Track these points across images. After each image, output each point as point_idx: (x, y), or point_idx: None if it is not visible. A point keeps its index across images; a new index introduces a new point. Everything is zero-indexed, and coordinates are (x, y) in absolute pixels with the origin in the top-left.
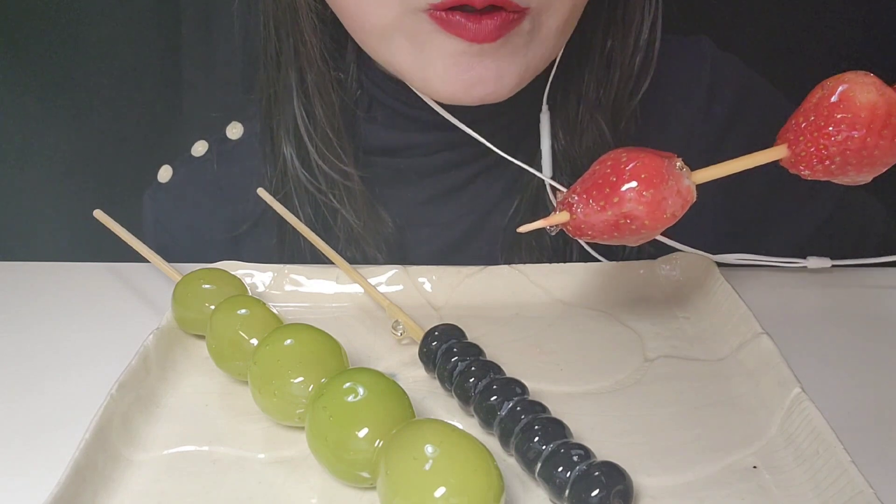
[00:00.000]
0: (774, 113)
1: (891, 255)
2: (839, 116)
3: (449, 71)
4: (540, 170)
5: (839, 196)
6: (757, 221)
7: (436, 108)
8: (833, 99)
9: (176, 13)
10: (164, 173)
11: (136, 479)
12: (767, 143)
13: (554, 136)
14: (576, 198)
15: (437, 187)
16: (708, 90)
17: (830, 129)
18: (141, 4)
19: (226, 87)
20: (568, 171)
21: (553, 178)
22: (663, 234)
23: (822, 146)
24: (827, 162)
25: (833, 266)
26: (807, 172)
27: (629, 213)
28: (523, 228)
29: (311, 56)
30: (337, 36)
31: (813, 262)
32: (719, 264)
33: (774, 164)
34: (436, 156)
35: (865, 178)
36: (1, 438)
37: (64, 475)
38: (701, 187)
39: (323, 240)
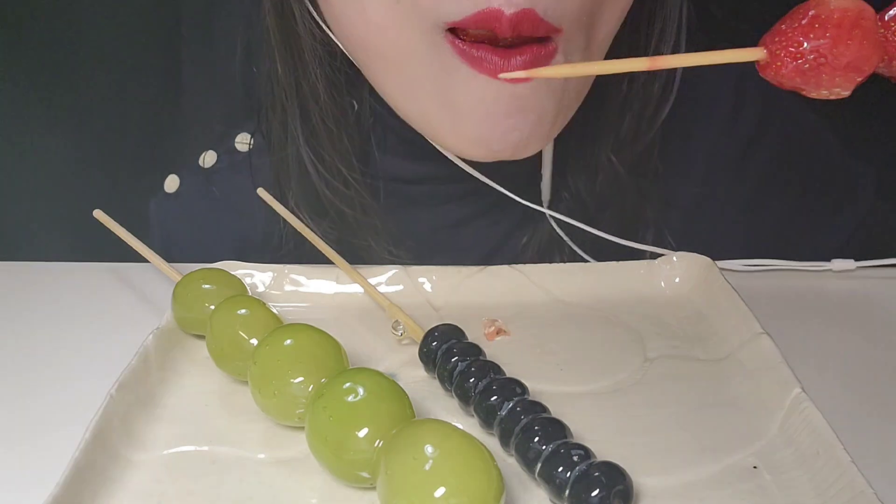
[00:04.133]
0: (800, 129)
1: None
2: (812, 14)
3: (481, 125)
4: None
5: (869, 203)
6: (787, 227)
7: (448, 154)
8: (809, 3)
9: (176, 13)
10: (171, 183)
11: (136, 479)
12: (793, 159)
13: (561, 171)
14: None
15: (452, 216)
16: (732, 108)
17: (804, 24)
18: (141, 4)
19: (228, 93)
20: (569, 199)
21: (552, 203)
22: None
23: (796, 42)
24: (800, 60)
25: (858, 268)
26: (783, 72)
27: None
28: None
29: (315, 90)
30: (350, 61)
31: (837, 264)
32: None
33: (806, 173)
34: (451, 185)
35: (842, 87)
36: (1, 438)
37: (64, 475)
38: (729, 196)
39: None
